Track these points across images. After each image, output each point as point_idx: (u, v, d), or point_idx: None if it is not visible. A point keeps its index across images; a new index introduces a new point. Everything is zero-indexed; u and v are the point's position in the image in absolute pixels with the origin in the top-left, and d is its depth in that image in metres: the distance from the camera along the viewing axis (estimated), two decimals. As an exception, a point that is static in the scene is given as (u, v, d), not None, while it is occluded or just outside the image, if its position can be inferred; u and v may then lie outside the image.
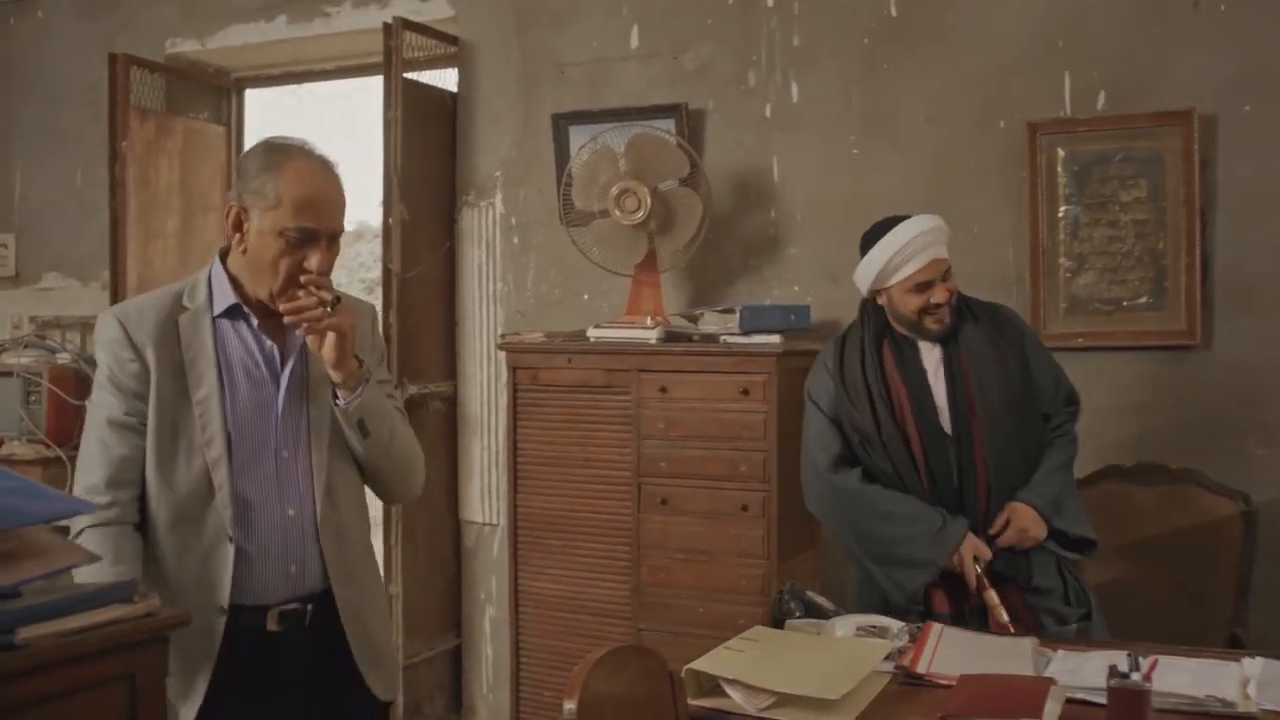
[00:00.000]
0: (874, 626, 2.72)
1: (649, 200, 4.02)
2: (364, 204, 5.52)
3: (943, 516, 3.01)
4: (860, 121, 4.18)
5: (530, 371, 4.18)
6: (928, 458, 3.07)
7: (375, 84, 4.62)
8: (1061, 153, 3.86)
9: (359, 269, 8.68)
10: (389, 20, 4.54)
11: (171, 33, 5.38)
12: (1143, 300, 3.78)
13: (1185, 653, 2.62)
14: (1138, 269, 3.78)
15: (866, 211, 4.06)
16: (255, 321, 2.37)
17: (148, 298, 2.43)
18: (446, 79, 4.86)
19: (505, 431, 4.30)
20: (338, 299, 2.29)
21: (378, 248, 5.29)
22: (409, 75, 4.58)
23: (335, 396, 2.37)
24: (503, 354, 4.36)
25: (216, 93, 5.54)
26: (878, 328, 3.19)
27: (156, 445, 2.29)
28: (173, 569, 2.29)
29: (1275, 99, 3.67)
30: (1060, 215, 3.87)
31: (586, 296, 4.60)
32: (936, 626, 2.75)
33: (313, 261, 2.28)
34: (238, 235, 2.31)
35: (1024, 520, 3.02)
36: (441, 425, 4.81)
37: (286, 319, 2.29)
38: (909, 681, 2.50)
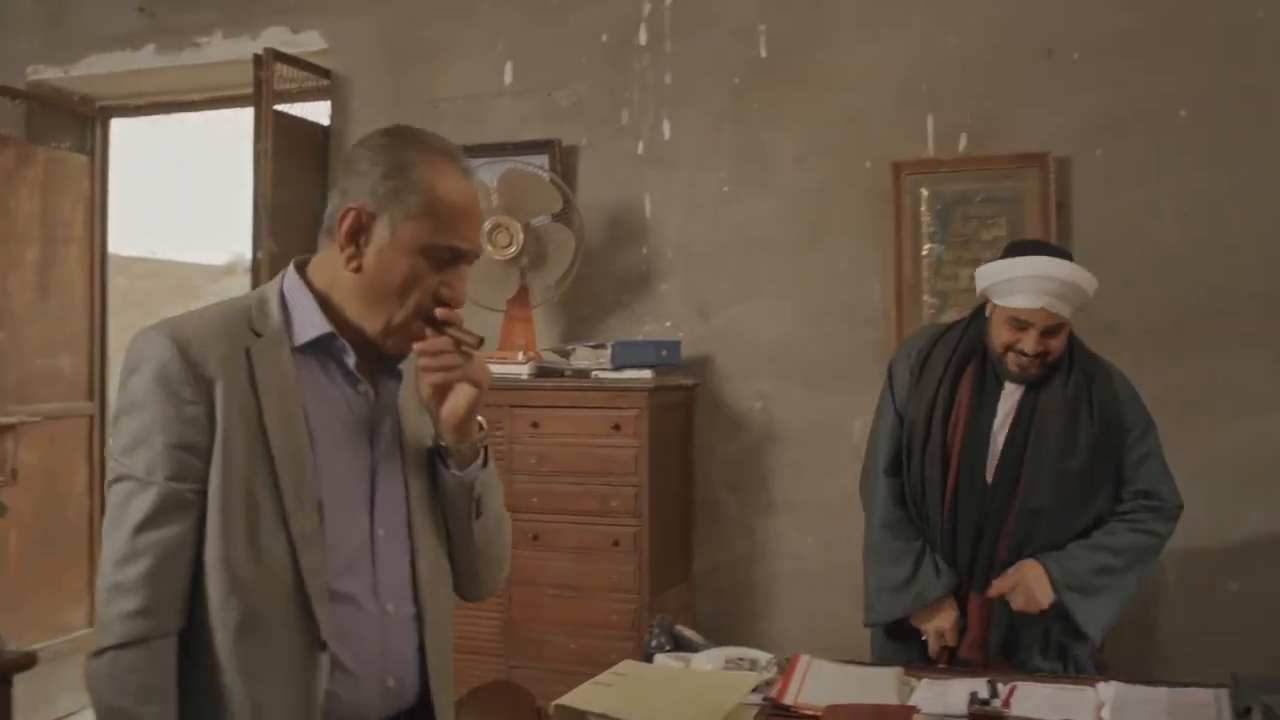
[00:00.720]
0: (742, 659, 2.74)
1: (521, 236, 4.03)
2: (235, 237, 5.43)
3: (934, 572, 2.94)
4: (731, 159, 4.24)
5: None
6: (957, 498, 2.92)
7: (246, 115, 4.56)
8: (925, 192, 3.96)
9: (229, 304, 8.50)
10: (260, 52, 4.50)
11: (34, 59, 5.25)
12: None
13: (1043, 679, 2.69)
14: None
15: (737, 249, 4.16)
16: (352, 360, 1.80)
17: (202, 316, 1.78)
18: (319, 111, 4.82)
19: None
20: (481, 340, 1.84)
21: (248, 282, 5.20)
22: (280, 107, 4.53)
23: (445, 463, 1.88)
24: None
25: (80, 121, 5.42)
26: (972, 341, 2.99)
27: (222, 523, 1.67)
28: (241, 691, 1.67)
29: (1124, 143, 3.82)
30: (924, 253, 3.97)
31: (459, 332, 4.57)
32: (805, 658, 2.77)
33: (454, 290, 1.81)
34: (351, 248, 1.77)
35: (1026, 575, 2.85)
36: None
37: (422, 364, 1.82)
38: (776, 712, 2.52)
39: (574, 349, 4.06)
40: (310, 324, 1.79)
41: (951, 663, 2.95)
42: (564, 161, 4.40)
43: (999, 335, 2.89)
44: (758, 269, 4.18)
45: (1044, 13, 3.89)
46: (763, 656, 2.75)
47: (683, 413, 4.16)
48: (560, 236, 4.11)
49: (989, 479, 2.90)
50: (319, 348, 1.80)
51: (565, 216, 4.15)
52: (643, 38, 4.36)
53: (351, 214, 1.75)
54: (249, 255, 4.66)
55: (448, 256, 1.78)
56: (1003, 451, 2.90)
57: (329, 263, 1.81)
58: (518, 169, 4.14)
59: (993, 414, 2.93)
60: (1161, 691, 2.55)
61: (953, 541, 2.94)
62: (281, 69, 4.53)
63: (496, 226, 4.04)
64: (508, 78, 4.55)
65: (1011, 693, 2.32)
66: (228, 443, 1.67)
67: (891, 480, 3.06)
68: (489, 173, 4.15)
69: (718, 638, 3.04)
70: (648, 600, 3.81)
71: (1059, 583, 2.83)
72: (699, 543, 4.25)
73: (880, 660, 3.01)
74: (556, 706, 2.38)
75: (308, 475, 1.72)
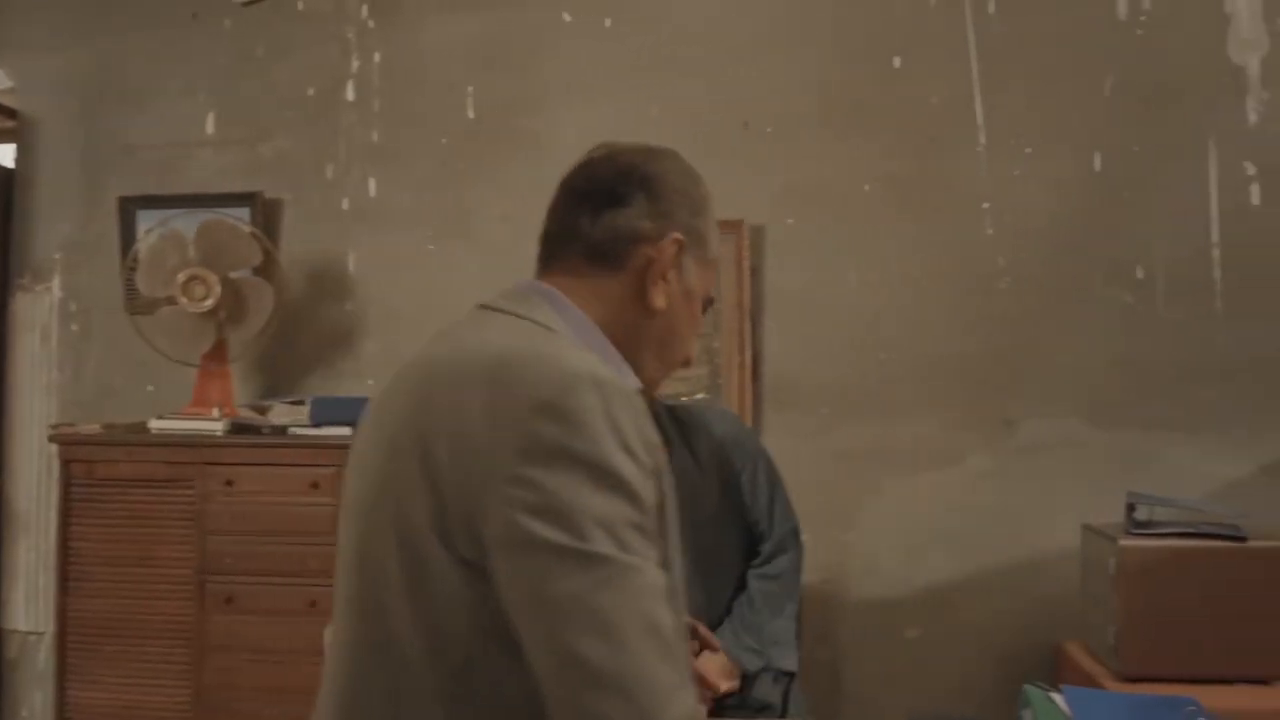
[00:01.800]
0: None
1: (218, 288, 3.91)
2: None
3: None
4: (437, 218, 4.25)
5: (85, 465, 3.93)
6: None
7: (-81, 156, 4.30)
8: (627, 255, 4.05)
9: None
10: (-63, 88, 4.25)
11: None
12: (700, 396, 4.01)
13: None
14: (696, 366, 4.02)
15: (441, 307, 4.13)
16: None
17: (593, 361, 1.38)
18: (3, 154, 4.58)
19: (56, 529, 4.03)
20: None
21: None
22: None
23: None
24: (54, 447, 4.09)
25: None
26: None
27: None
28: None
29: (812, 212, 4.02)
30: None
31: (151, 387, 4.40)
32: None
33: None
34: (661, 282, 1.54)
35: (709, 673, 2.77)
36: (-16, 525, 4.45)
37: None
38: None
39: (272, 405, 3.96)
40: (626, 374, 1.51)
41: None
42: (266, 215, 4.31)
43: None
44: (463, 327, 4.17)
45: (741, 89, 4.07)
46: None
47: (385, 471, 4.09)
48: (260, 291, 4.01)
49: None
50: None
51: (266, 270, 4.06)
52: (350, 93, 4.33)
53: (674, 244, 1.55)
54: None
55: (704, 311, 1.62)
56: None
57: (602, 295, 1.55)
58: (216, 220, 4.03)
59: None
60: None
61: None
62: (-39, 107, 4.29)
63: (192, 278, 3.90)
64: (209, 127, 4.44)
65: None
66: (668, 527, 1.38)
67: None
68: (186, 223, 4.02)
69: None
70: (345, 662, 3.71)
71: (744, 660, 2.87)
72: (400, 603, 4.18)
73: None
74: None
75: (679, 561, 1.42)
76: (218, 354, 4.04)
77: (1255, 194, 3.81)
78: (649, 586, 1.25)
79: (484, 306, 1.57)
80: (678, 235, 1.55)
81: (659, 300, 1.54)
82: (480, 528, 1.28)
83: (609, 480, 1.26)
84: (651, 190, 1.58)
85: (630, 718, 1.18)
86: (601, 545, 1.23)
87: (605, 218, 1.56)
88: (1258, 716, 2.99)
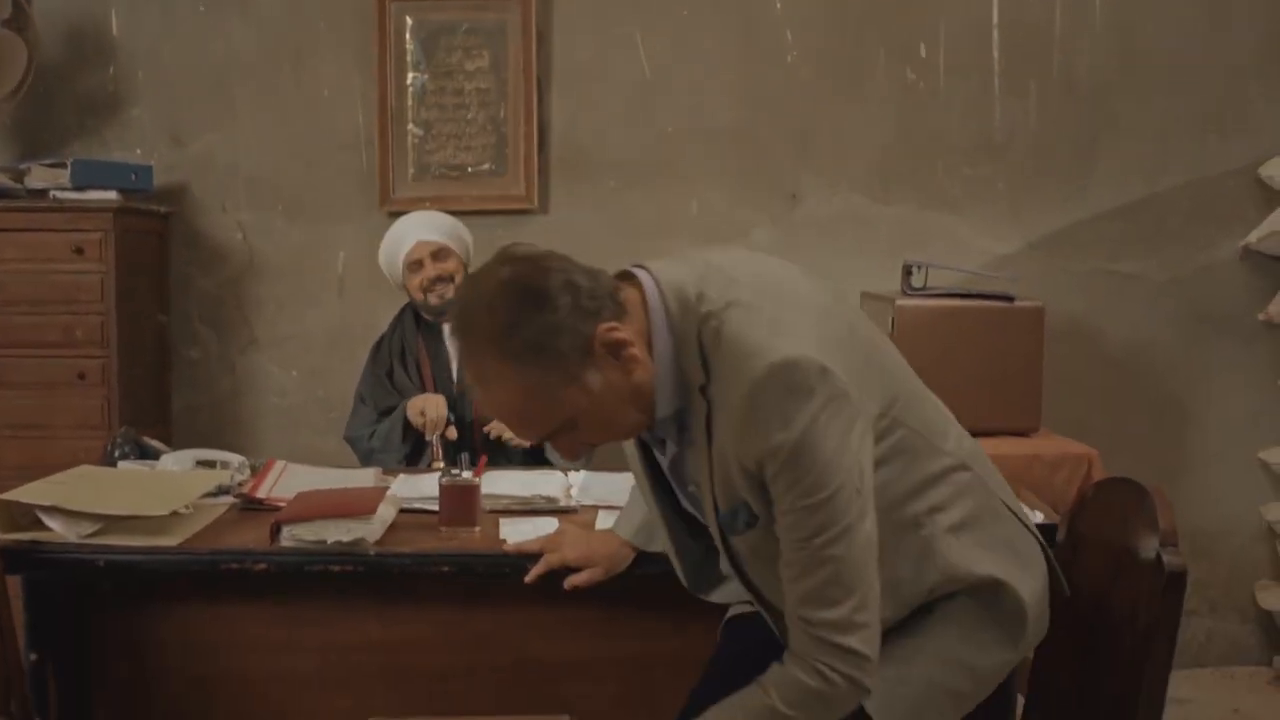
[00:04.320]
0: (213, 460, 2.64)
1: (-36, 40, 3.62)
2: None
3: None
4: (206, -23, 4.00)
5: None
6: None
7: None
8: (410, 20, 3.91)
9: None
10: None
11: None
12: (486, 167, 3.94)
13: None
14: (481, 136, 3.93)
15: (213, 72, 3.97)
16: None
17: None
18: None
19: None
20: None
21: None
22: None
23: None
24: None
25: None
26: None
27: None
28: None
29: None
30: (409, 82, 3.93)
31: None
32: (282, 462, 2.71)
33: None
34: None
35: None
36: None
37: None
38: (248, 507, 2.45)
39: (29, 168, 3.70)
40: None
41: None
42: (16, -32, 3.98)
43: (412, 285, 3.37)
44: (236, 94, 3.98)
45: None
46: (235, 459, 2.65)
47: (156, 242, 3.91)
48: (12, 45, 3.72)
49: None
50: None
51: (17, 23, 3.76)
52: None
53: None
54: None
55: None
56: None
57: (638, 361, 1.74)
58: (-41, -31, 3.70)
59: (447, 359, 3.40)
60: (627, 477, 2.70)
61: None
62: None
63: (-66, 31, 3.60)
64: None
65: (482, 463, 2.37)
66: None
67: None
68: (-76, -29, 3.68)
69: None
70: (119, 436, 3.59)
71: None
72: (177, 382, 4.05)
73: None
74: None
75: None
76: (-34, 116, 3.76)
77: (1034, -27, 3.91)
78: None
79: None
80: None
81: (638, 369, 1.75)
82: None
83: None
84: None
85: None
86: None
87: None
88: (1016, 462, 3.16)
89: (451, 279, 3.33)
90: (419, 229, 3.38)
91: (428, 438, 3.21)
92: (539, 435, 1.70)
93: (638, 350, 1.62)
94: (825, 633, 1.56)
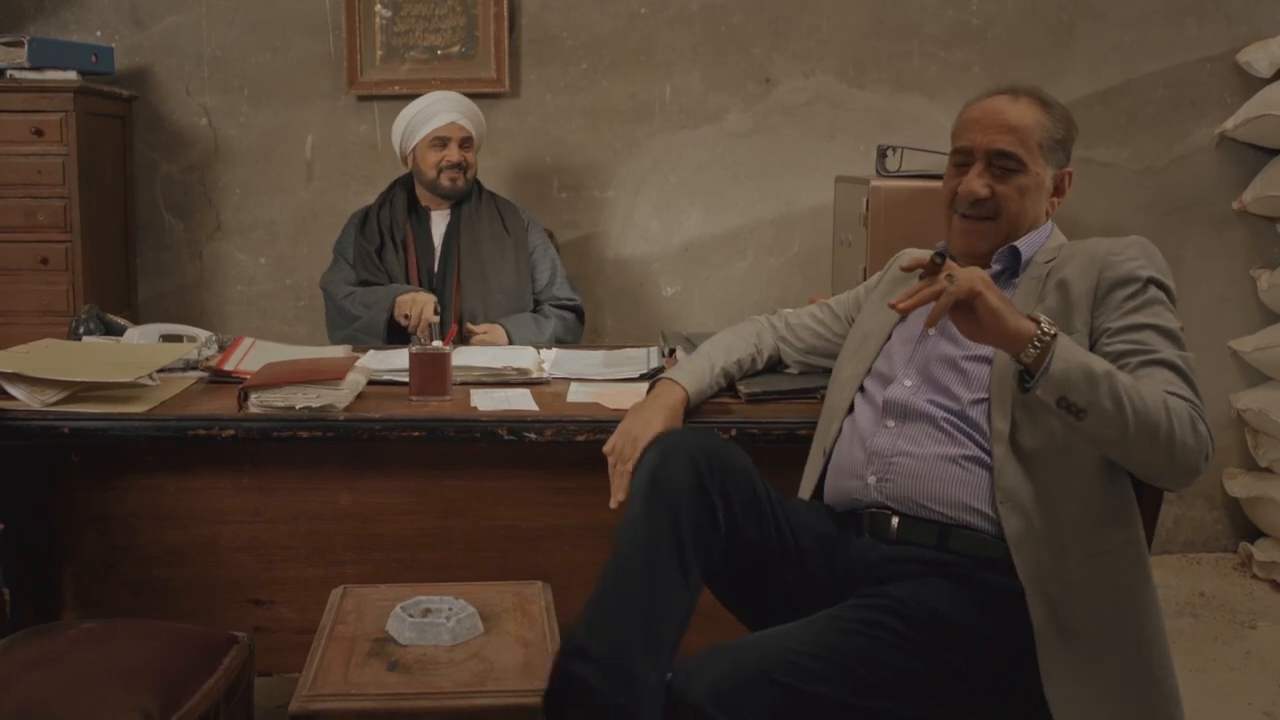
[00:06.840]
0: (179, 335, 2.60)
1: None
2: None
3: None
4: None
5: None
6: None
7: None
8: (374, -103, 3.81)
9: None
10: None
11: None
12: (456, 49, 3.86)
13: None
14: (450, 18, 3.85)
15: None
16: None
17: None
18: None
19: None
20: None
21: None
22: None
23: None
24: None
25: None
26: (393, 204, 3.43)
27: None
28: None
29: None
30: (376, -38, 3.84)
31: None
32: (250, 339, 2.68)
33: None
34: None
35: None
36: None
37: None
38: (216, 380, 2.43)
39: (-15, 46, 3.62)
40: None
41: None
42: None
43: (427, 160, 3.35)
44: (198, -26, 3.89)
45: None
46: (202, 334, 2.62)
47: (119, 126, 3.83)
48: (-36, -80, 3.62)
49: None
50: None
51: (-31, -102, 3.65)
52: None
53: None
54: None
55: None
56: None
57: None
58: None
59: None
60: (600, 354, 2.69)
61: None
62: None
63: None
64: None
65: (452, 335, 2.35)
66: None
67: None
68: None
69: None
70: (84, 322, 3.54)
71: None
72: (143, 269, 3.99)
73: None
74: (-40, 370, 2.16)
75: None
76: (-81, -6, 3.65)
77: None
78: None
79: None
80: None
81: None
82: None
83: None
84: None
85: None
86: None
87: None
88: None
89: (466, 171, 3.36)
90: (456, 111, 3.37)
91: (413, 336, 3.13)
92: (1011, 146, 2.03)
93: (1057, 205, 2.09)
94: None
